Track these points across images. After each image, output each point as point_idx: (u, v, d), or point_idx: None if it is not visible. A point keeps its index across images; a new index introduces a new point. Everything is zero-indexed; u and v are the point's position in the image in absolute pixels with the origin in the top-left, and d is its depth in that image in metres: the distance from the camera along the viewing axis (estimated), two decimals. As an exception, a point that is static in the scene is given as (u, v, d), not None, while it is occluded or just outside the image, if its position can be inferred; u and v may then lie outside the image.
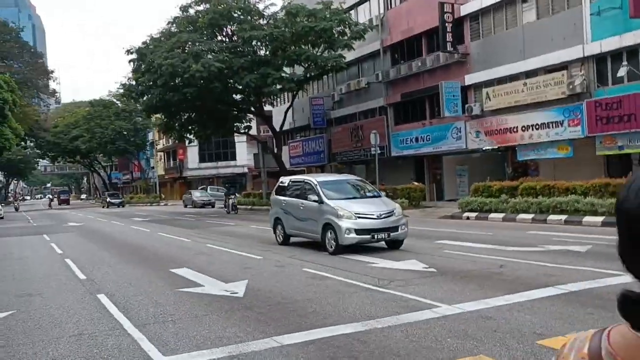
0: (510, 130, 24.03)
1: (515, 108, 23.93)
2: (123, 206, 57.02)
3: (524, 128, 23.43)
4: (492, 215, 19.73)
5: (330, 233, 12.46)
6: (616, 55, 20.25)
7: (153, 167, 71.64)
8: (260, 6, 32.19)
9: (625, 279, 0.94)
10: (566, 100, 21.78)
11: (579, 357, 0.95)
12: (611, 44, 20.07)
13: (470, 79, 26.22)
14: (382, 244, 12.93)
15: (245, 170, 59.15)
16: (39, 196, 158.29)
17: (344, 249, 12.18)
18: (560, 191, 18.20)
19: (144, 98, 33.52)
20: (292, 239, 14.60)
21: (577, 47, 21.28)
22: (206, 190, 51.65)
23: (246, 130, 39.33)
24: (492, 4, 25.08)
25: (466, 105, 26.01)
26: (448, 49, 26.30)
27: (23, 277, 11.18)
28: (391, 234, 12.44)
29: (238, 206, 36.22)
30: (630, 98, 19.17)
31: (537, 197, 18.75)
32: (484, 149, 25.85)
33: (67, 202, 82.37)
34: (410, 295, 7.69)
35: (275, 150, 36.51)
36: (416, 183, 28.06)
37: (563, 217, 17.31)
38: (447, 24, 26.04)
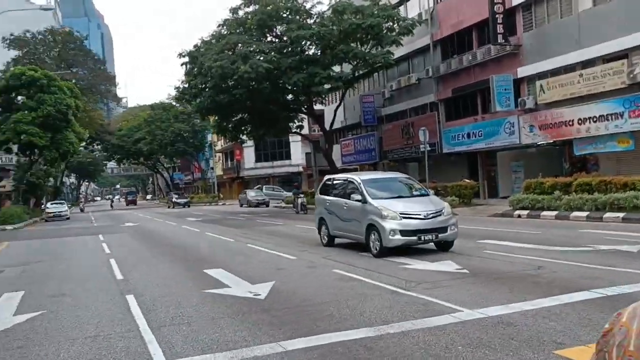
0: (566, 123, 22.95)
1: (570, 100, 22.84)
2: (188, 206, 55.13)
3: (580, 121, 22.32)
4: (545, 213, 18.87)
5: (374, 234, 11.90)
6: (680, 41, 18.95)
7: (212, 168, 73.24)
8: (308, 5, 32.20)
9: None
10: (626, 90, 20.58)
11: None
12: (675, 28, 18.81)
13: (522, 71, 25.25)
14: (432, 245, 12.19)
15: (300, 169, 59.55)
16: (108, 197, 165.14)
17: (389, 251, 11.60)
18: (618, 187, 17.19)
19: (197, 100, 34.20)
20: (337, 240, 14.20)
21: (637, 34, 20.05)
22: (261, 189, 52.33)
23: (298, 130, 39.48)
24: (546, -8, 24.07)
25: (519, 99, 25.06)
26: (499, 41, 25.43)
27: (64, 277, 11.55)
28: (439, 235, 11.69)
29: (290, 205, 36.41)
30: (695, 86, 17.89)
31: (592, 193, 17.78)
32: (538, 143, 24.84)
33: (134, 202, 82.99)
34: (433, 299, 7.37)
35: (326, 149, 36.41)
36: (467, 180, 27.27)
37: (621, 214, 16.32)
38: (497, 15, 25.18)
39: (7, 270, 13.08)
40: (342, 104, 39.17)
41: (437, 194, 25.94)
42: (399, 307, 7.10)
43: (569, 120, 22.85)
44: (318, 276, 9.85)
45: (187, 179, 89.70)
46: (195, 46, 33.21)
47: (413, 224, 11.71)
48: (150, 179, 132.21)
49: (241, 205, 47.48)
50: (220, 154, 73.74)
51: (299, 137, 49.75)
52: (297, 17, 31.63)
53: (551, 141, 24.28)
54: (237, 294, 8.50)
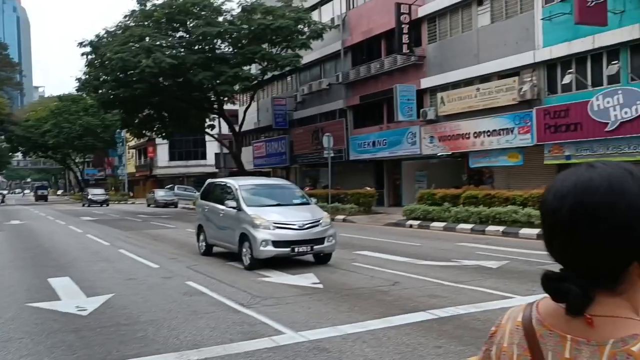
0: (463, 136, 23.41)
1: (468, 113, 23.30)
2: (107, 205, 48.34)
3: (475, 134, 22.82)
4: (434, 224, 19.04)
5: (247, 244, 11.18)
6: (565, 62, 19.67)
7: (123, 165, 70.45)
8: (218, 2, 31.29)
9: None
10: (517, 106, 21.18)
11: (514, 325, 1.09)
12: (561, 50, 19.50)
13: (425, 82, 25.58)
14: (310, 257, 11.64)
15: (216, 170, 58.23)
16: (17, 191, 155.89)
17: (260, 264, 10.91)
18: (501, 201, 17.56)
19: (98, 93, 32.51)
20: (217, 249, 13.23)
21: (528, 53, 20.70)
22: (172, 189, 50.61)
23: (209, 130, 38.44)
24: (449, 6, 24.46)
25: (421, 110, 25.35)
26: (404, 51, 25.63)
27: None
28: (315, 246, 11.12)
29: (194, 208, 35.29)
30: (577, 106, 18.60)
31: (478, 206, 18.09)
32: (437, 154, 25.20)
33: (44, 198, 74.61)
34: (265, 318, 6.90)
35: (235, 151, 35.62)
36: (368, 188, 27.32)
37: (501, 228, 16.67)
38: (403, 26, 25.36)
39: None
40: (256, 105, 38.56)
41: (338, 200, 26.04)
42: (224, 327, 6.58)
43: (466, 133, 23.31)
44: (166, 289, 9.18)
45: (99, 175, 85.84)
46: (97, 36, 31.54)
47: (287, 234, 11.14)
48: (62, 174, 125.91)
49: (149, 205, 45.70)
50: (133, 151, 71.08)
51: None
52: (206, 13, 30.68)
53: (450, 153, 24.69)
54: (60, 309, 7.70)
